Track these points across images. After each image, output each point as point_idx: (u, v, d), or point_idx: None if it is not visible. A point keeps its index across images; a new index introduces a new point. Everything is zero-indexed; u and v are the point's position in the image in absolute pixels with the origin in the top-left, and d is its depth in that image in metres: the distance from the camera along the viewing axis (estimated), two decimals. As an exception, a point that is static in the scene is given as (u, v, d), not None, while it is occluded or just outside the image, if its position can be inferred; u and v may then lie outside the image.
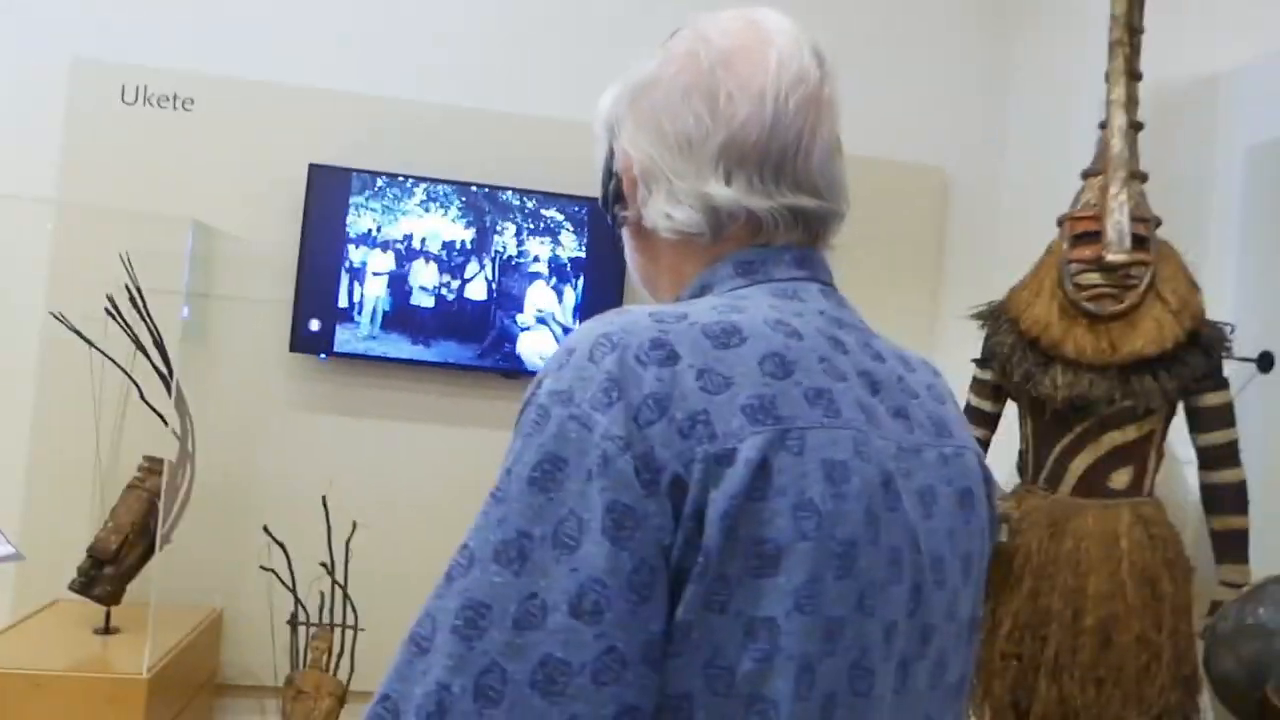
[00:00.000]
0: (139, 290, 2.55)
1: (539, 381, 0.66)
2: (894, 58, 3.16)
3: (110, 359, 2.57)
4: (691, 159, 0.74)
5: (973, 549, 0.76)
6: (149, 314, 2.55)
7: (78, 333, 2.51)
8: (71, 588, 2.50)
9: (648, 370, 0.62)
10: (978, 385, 2.34)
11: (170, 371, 2.56)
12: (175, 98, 2.85)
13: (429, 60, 2.97)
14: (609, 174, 0.82)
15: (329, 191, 2.82)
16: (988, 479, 0.81)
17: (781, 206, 0.75)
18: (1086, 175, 2.22)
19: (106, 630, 2.56)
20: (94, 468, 2.70)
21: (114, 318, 2.54)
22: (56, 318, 2.51)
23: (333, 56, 2.92)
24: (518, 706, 0.57)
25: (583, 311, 2.90)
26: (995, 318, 2.29)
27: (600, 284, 2.91)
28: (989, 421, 2.33)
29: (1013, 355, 2.19)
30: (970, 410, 2.33)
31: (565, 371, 0.64)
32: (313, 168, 2.82)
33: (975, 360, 2.34)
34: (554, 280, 2.90)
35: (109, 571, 2.54)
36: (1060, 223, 2.22)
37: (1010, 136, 3.20)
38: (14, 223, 2.68)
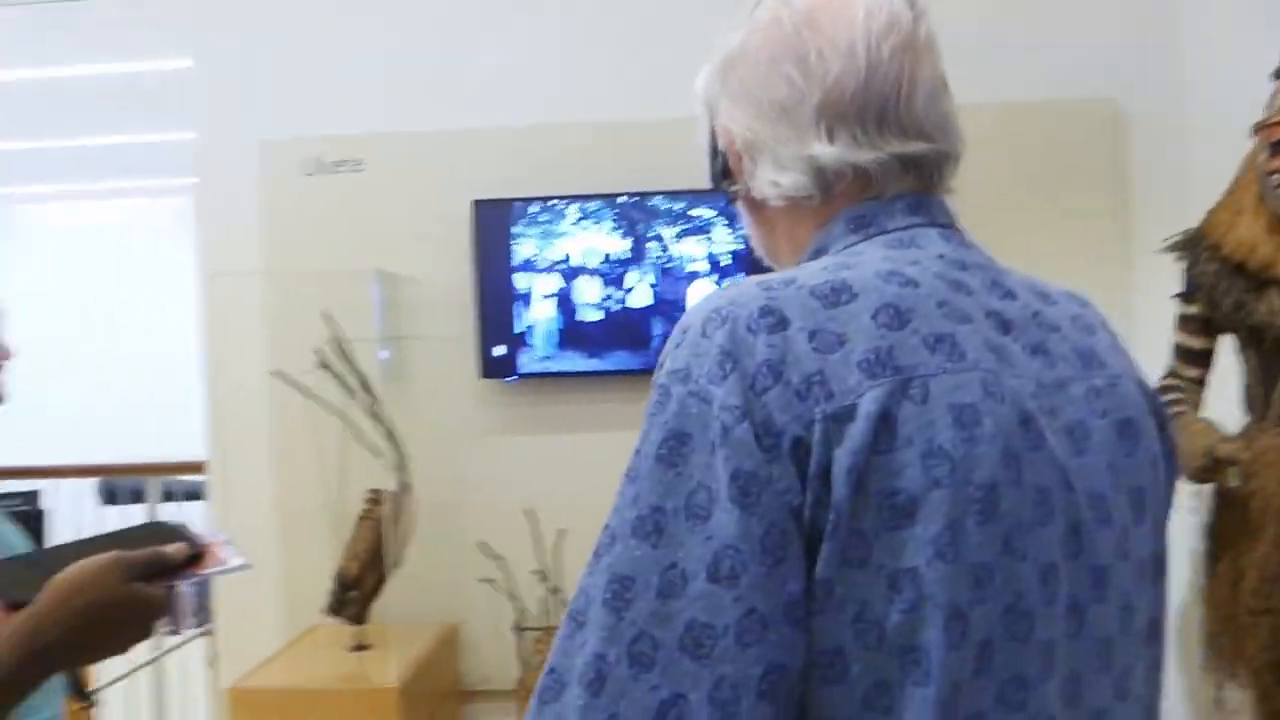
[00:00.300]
0: (341, 342, 2.81)
1: (660, 363, 0.69)
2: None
3: (327, 406, 2.85)
4: (791, 124, 0.75)
5: (1143, 481, 0.73)
6: (354, 362, 2.82)
7: (297, 386, 2.80)
8: (325, 611, 2.80)
9: (758, 338, 0.64)
10: (1184, 321, 2.19)
11: (378, 411, 2.81)
12: (347, 161, 3.12)
13: (569, 84, 3.09)
14: (714, 152, 0.84)
15: (493, 223, 3.00)
16: (1156, 407, 0.77)
17: (889, 156, 0.74)
18: (1280, 75, 2.03)
19: (359, 647, 2.84)
20: (328, 505, 3.01)
21: (327, 369, 2.82)
22: (278, 375, 2.81)
23: (479, 96, 3.10)
24: (670, 669, 0.60)
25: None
26: (1193, 246, 2.13)
27: (762, 273, 2.93)
28: (1201, 359, 2.17)
29: (1219, 284, 2.04)
30: (1179, 349, 2.19)
31: (681, 350, 0.67)
32: (476, 204, 3.01)
33: (1178, 295, 2.20)
34: (715, 276, 2.95)
35: (354, 595, 2.82)
36: (1255, 131, 2.03)
37: (1186, 48, 2.95)
38: (228, 296, 3.02)
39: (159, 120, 5.46)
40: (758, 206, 0.82)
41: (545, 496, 2.94)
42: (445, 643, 2.99)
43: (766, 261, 0.87)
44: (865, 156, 0.74)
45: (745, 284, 0.69)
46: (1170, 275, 2.23)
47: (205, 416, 3.19)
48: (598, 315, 2.97)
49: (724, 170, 0.83)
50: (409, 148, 3.11)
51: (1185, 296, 2.18)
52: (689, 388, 0.65)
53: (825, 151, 0.74)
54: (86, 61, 4.68)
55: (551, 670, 0.64)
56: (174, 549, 0.90)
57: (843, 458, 0.61)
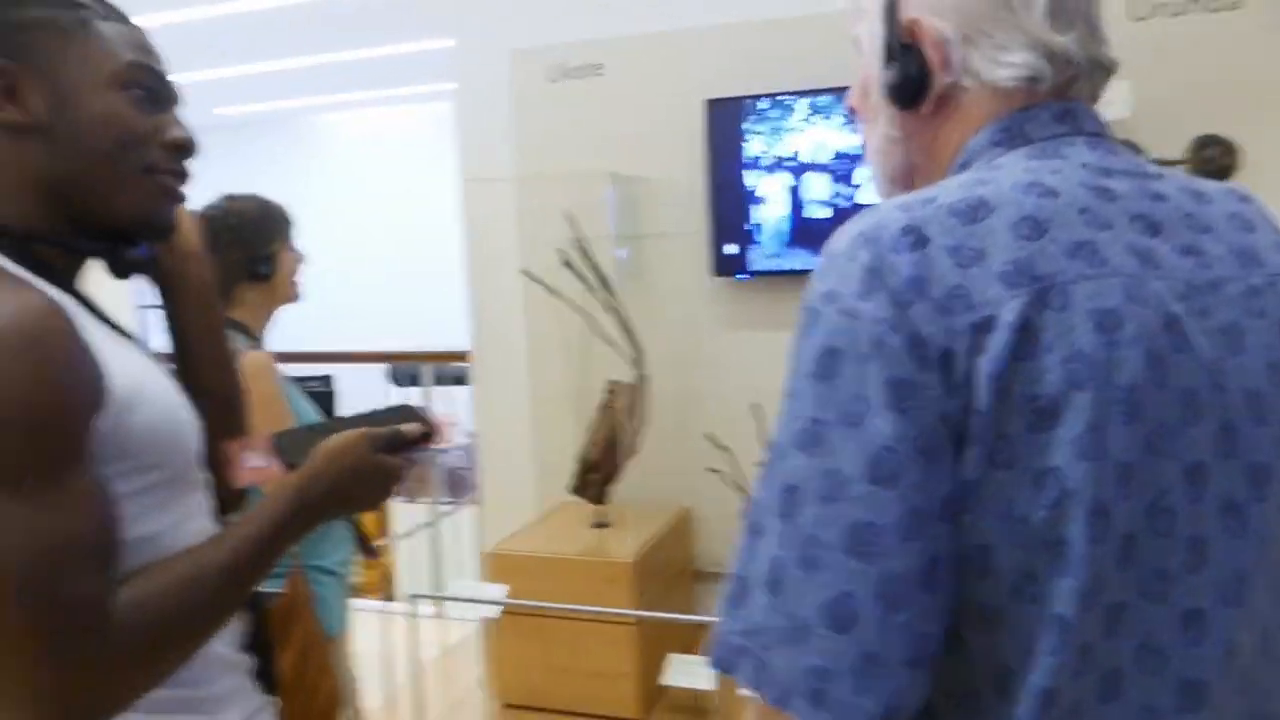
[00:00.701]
0: (582, 242, 2.99)
1: (809, 286, 0.72)
2: None
3: (570, 303, 3.05)
4: (1019, 9, 0.76)
5: None
6: (594, 261, 2.99)
7: (543, 284, 3.02)
8: (569, 490, 3.07)
9: (901, 256, 0.67)
10: None
11: (616, 307, 2.98)
12: (588, 66, 3.24)
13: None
14: (894, 52, 0.81)
15: (725, 123, 3.03)
16: None
17: (1090, 56, 0.78)
18: None
19: (600, 524, 3.10)
20: (573, 393, 3.25)
21: (569, 268, 3.01)
22: (526, 274, 3.04)
23: (713, -7, 3.11)
24: (837, 568, 0.65)
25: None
26: None
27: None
28: None
29: None
30: None
31: (829, 273, 0.70)
32: (708, 102, 3.05)
33: None
34: (950, 167, 2.84)
35: (594, 477, 3.07)
36: None
37: None
38: (483, 200, 3.27)
39: (424, 29, 5.87)
40: (936, 113, 0.81)
41: (771, 392, 3.01)
42: (678, 525, 3.19)
43: (890, 185, 0.88)
44: (1085, 51, 0.77)
45: (884, 206, 0.71)
46: None
47: (469, 311, 3.51)
48: (826, 212, 2.95)
49: (916, 72, 0.80)
50: (645, 49, 3.17)
51: None
52: (837, 306, 0.68)
53: (1056, 40, 0.76)
54: None
55: (737, 576, 0.70)
56: (409, 428, 1.06)
57: (985, 365, 0.64)
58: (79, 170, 0.92)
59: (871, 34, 0.84)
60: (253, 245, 2.03)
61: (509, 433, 3.45)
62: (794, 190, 2.98)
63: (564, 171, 3.21)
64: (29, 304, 0.82)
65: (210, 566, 0.91)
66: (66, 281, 0.96)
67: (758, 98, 2.99)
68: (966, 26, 0.77)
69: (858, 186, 2.92)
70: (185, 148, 0.99)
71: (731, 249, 3.08)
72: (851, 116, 0.94)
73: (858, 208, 2.90)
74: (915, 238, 0.68)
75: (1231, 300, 0.71)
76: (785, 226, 3.01)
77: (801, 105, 2.95)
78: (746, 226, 3.04)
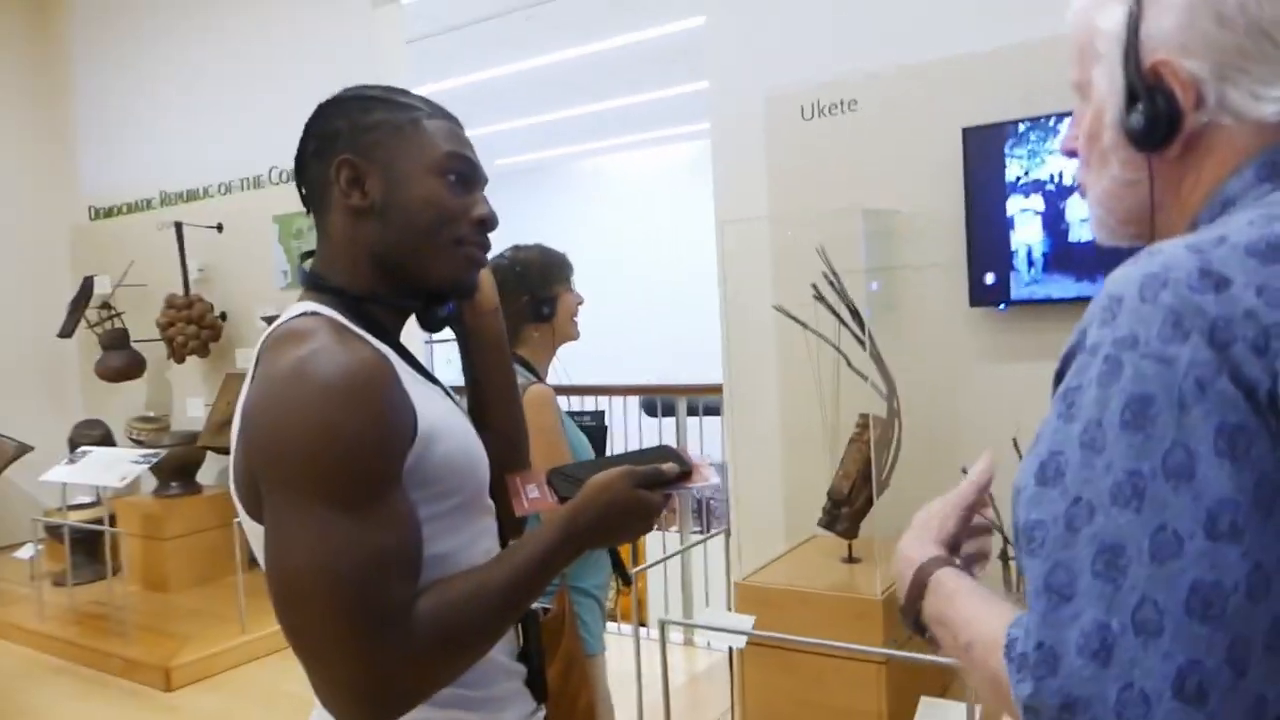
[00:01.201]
0: (835, 275, 3.00)
1: (1082, 332, 0.71)
2: None
3: (822, 336, 3.07)
4: (1276, 40, 0.75)
5: None
6: (846, 294, 3.00)
7: (795, 319, 3.06)
8: (819, 524, 3.07)
9: (1206, 297, 0.65)
10: None
11: (869, 339, 2.97)
12: (842, 103, 3.27)
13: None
14: (1136, 95, 0.80)
15: (984, 150, 2.95)
16: None
17: None
18: None
19: (850, 559, 3.07)
20: (824, 427, 3.25)
21: (821, 301, 3.04)
22: (778, 309, 3.10)
23: (962, 20, 3.04)
24: (1180, 634, 0.60)
25: None
26: None
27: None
28: None
29: None
30: None
31: (1121, 319, 0.67)
32: (966, 131, 2.98)
33: None
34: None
35: (845, 511, 3.05)
36: None
37: None
38: (737, 239, 3.36)
39: (683, 74, 6.15)
40: (1184, 153, 0.80)
41: (1031, 425, 2.87)
42: (933, 565, 3.09)
43: (1123, 227, 0.86)
44: None
45: (1168, 249, 0.69)
46: None
47: (722, 346, 3.61)
48: (1087, 235, 2.79)
49: (1165, 110, 0.79)
50: (899, 82, 3.16)
51: None
52: (1141, 352, 0.66)
53: None
54: (615, 34, 5.44)
55: (1039, 645, 0.64)
56: (667, 467, 1.14)
57: None
58: (404, 243, 1.10)
59: (1110, 78, 0.83)
60: (537, 289, 2.23)
61: (760, 464, 3.50)
62: (1053, 215, 2.85)
63: (817, 208, 3.25)
64: (364, 357, 0.98)
65: (493, 584, 1.03)
66: (391, 335, 1.14)
67: (1018, 122, 2.89)
68: (1222, 64, 0.76)
69: (1131, 211, 2.75)
70: (488, 223, 1.15)
71: (990, 278, 2.98)
72: (1070, 157, 0.93)
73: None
74: (1216, 279, 0.66)
75: None
76: (1043, 252, 2.87)
77: (1061, 127, 2.82)
78: (1006, 255, 2.94)
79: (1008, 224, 2.93)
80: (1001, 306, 2.99)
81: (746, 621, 2.80)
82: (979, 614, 0.76)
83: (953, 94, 3.06)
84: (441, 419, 1.07)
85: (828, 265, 3.03)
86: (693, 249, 5.90)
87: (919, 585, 0.86)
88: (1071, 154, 0.92)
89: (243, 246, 5.20)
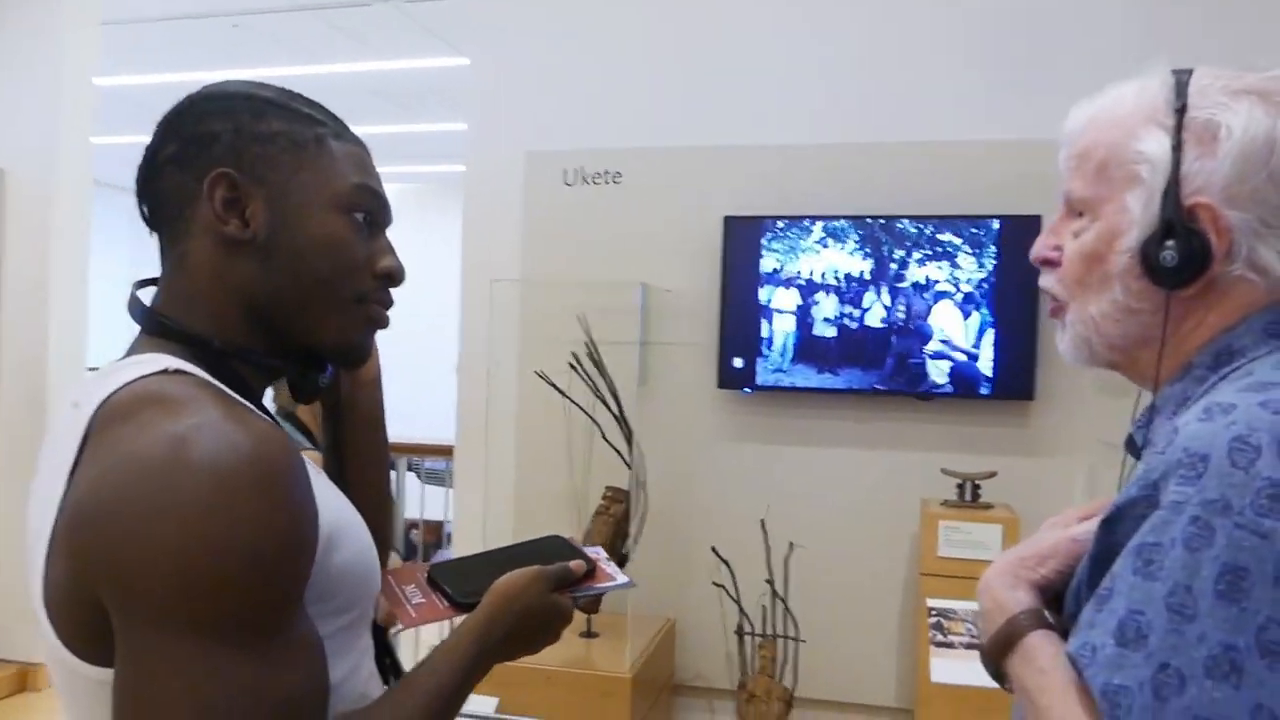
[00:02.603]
0: (595, 346, 2.98)
1: (1153, 485, 0.70)
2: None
3: (578, 406, 3.03)
4: None
5: None
6: (603, 367, 2.98)
7: (555, 387, 3.00)
8: (561, 598, 2.98)
9: None
10: None
11: (623, 413, 2.97)
12: (607, 173, 3.30)
13: (819, 103, 3.16)
14: (1173, 231, 0.80)
15: (742, 239, 3.11)
16: None
17: None
18: None
19: (588, 634, 3.01)
20: (569, 497, 3.20)
21: (576, 371, 3.00)
22: (539, 375, 3.01)
23: (734, 115, 3.22)
24: None
25: (997, 333, 2.93)
26: None
27: (1010, 304, 2.93)
28: None
29: None
30: None
31: (1209, 480, 0.66)
32: (728, 220, 3.12)
33: None
34: (958, 303, 2.96)
35: (588, 585, 2.99)
36: None
37: None
38: (493, 300, 3.24)
39: (432, 113, 5.97)
40: (1203, 293, 0.81)
41: (776, 507, 3.03)
42: (665, 638, 3.13)
43: (1107, 352, 0.87)
44: None
45: (1243, 405, 0.70)
46: None
47: (457, 405, 3.45)
48: (832, 331, 3.03)
49: (1190, 253, 0.79)
50: (668, 162, 3.25)
51: None
52: (1234, 520, 0.65)
53: None
54: (374, 59, 5.18)
55: None
56: (576, 565, 1.00)
57: None
58: (290, 291, 0.88)
59: (1146, 205, 0.81)
60: None
61: (493, 532, 3.35)
62: (803, 310, 3.06)
63: (573, 275, 3.23)
64: (267, 439, 0.75)
65: None
66: (257, 401, 0.91)
67: (776, 218, 3.08)
68: (1263, 220, 0.78)
69: (867, 309, 3.02)
70: (395, 277, 0.95)
71: (738, 363, 3.12)
72: (1043, 266, 0.91)
73: (865, 329, 3.00)
74: None
75: None
76: (793, 343, 3.07)
77: (817, 228, 3.05)
78: (755, 341, 3.10)
79: (759, 312, 3.09)
80: (747, 390, 3.14)
81: (488, 703, 2.64)
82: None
83: (715, 181, 3.20)
84: (340, 515, 0.86)
85: (587, 334, 3.01)
86: (429, 301, 5.49)
87: (1007, 641, 0.81)
88: (1046, 263, 0.89)
89: None
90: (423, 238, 6.67)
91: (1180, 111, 0.80)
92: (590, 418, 3.04)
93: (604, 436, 3.02)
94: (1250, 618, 0.63)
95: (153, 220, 0.89)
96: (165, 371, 0.80)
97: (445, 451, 3.66)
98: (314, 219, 0.88)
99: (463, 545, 3.40)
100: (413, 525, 4.54)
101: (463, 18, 3.65)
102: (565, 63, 3.37)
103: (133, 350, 0.86)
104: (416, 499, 4.35)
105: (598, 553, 1.08)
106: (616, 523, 2.98)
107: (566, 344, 3.03)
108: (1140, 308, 0.83)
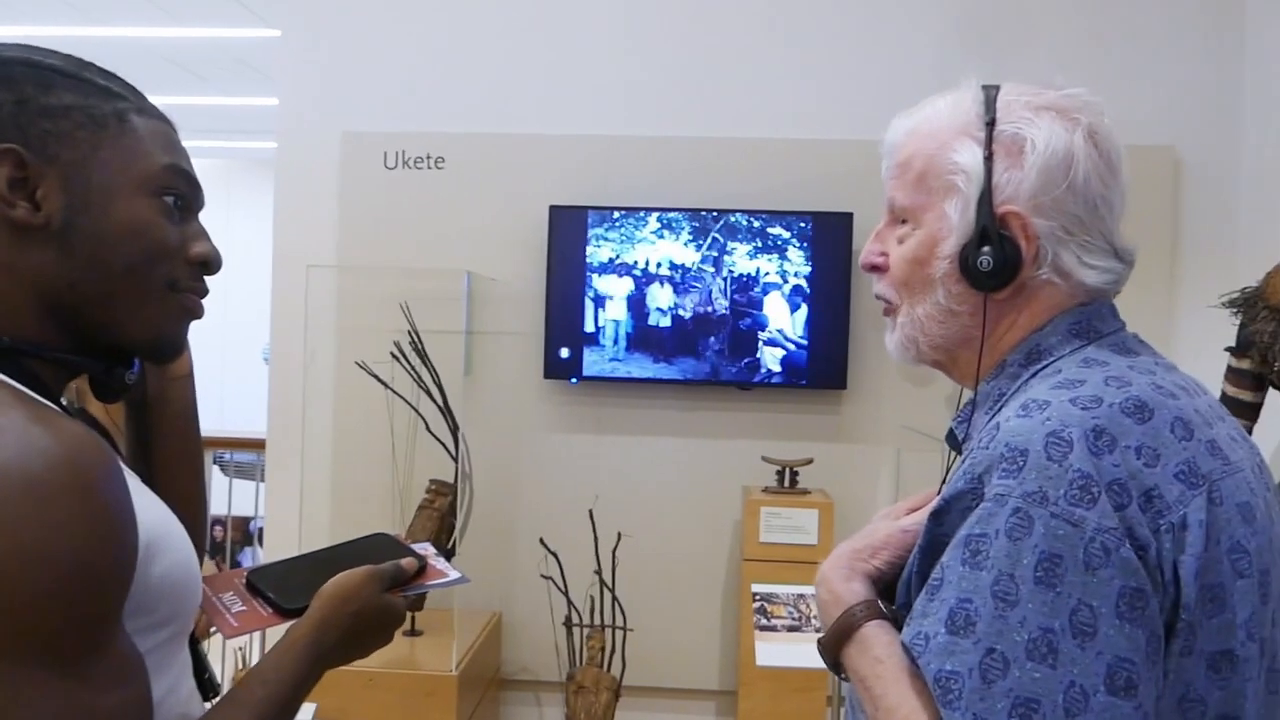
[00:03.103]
0: (417, 334, 2.89)
1: (976, 478, 0.74)
2: (1120, 36, 3.10)
3: (401, 396, 2.92)
4: (1105, 217, 0.84)
5: None
6: (427, 356, 2.89)
7: (377, 378, 2.88)
8: (382, 597, 2.88)
9: (1103, 459, 0.71)
10: (1234, 375, 2.30)
11: (447, 405, 2.89)
12: (429, 158, 3.19)
13: (649, 96, 3.17)
14: (988, 238, 0.84)
15: (569, 229, 3.09)
16: None
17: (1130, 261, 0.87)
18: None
19: (412, 632, 2.92)
20: (391, 491, 3.08)
21: (399, 361, 2.89)
22: (360, 365, 2.88)
23: (560, 104, 3.18)
24: None
25: (811, 325, 3.04)
26: (1251, 305, 2.25)
27: (825, 297, 3.04)
28: (1250, 412, 2.29)
29: (1275, 344, 2.16)
30: (1228, 400, 2.30)
31: (1028, 473, 0.71)
32: (553, 209, 3.09)
33: (1229, 349, 2.31)
34: (785, 295, 3.05)
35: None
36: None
37: (1247, 110, 3.06)
38: (308, 286, 3.07)
39: (235, 86, 5.59)
40: (998, 299, 0.85)
41: (604, 497, 3.03)
42: (491, 632, 3.08)
43: (931, 352, 0.91)
44: (1131, 254, 0.87)
45: (1055, 403, 0.75)
46: (1217, 327, 2.35)
47: (269, 395, 3.26)
48: (666, 321, 3.07)
49: (1009, 258, 0.84)
50: (491, 148, 3.18)
51: (1237, 351, 2.29)
52: (1050, 510, 0.70)
53: (1124, 245, 0.85)
54: (178, 24, 4.79)
55: None
56: (407, 563, 0.97)
57: (1189, 562, 0.70)
58: (93, 282, 0.80)
59: (962, 214, 0.85)
60: None
61: (310, 528, 3.19)
62: (637, 299, 3.07)
63: (396, 262, 3.11)
64: (78, 441, 0.69)
65: None
66: (56, 401, 0.82)
67: (611, 209, 3.08)
68: (1064, 227, 0.83)
69: (701, 300, 3.07)
70: (211, 264, 0.88)
71: (565, 353, 3.10)
72: (871, 272, 0.95)
73: (699, 319, 3.05)
74: (1108, 439, 0.72)
75: (1252, 479, 0.78)
76: (626, 332, 3.08)
77: (653, 219, 3.07)
78: (580, 331, 3.08)
79: (585, 302, 3.08)
80: (573, 380, 3.12)
81: (306, 710, 2.51)
82: (902, 709, 0.75)
83: (539, 170, 3.16)
84: (158, 522, 0.79)
85: (410, 323, 2.91)
86: (239, 286, 5.11)
87: (844, 632, 0.84)
88: (873, 269, 0.93)
89: None
90: (228, 217, 6.28)
91: (990, 125, 0.85)
92: (414, 409, 2.94)
93: (428, 428, 2.92)
94: (1064, 601, 0.68)
95: None
96: None
97: (256, 445, 3.45)
98: (119, 202, 0.80)
99: (275, 542, 3.23)
100: (217, 522, 4.28)
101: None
102: (385, 40, 3.23)
103: None
104: (222, 494, 4.09)
105: (426, 549, 1.05)
106: (441, 516, 2.90)
107: (388, 333, 2.92)
108: (961, 310, 0.88)
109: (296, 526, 3.05)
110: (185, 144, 0.89)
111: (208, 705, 0.87)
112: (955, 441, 0.94)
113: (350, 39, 3.24)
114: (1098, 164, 0.84)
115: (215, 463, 3.94)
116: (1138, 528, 0.69)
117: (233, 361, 6.30)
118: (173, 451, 1.03)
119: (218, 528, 4.30)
